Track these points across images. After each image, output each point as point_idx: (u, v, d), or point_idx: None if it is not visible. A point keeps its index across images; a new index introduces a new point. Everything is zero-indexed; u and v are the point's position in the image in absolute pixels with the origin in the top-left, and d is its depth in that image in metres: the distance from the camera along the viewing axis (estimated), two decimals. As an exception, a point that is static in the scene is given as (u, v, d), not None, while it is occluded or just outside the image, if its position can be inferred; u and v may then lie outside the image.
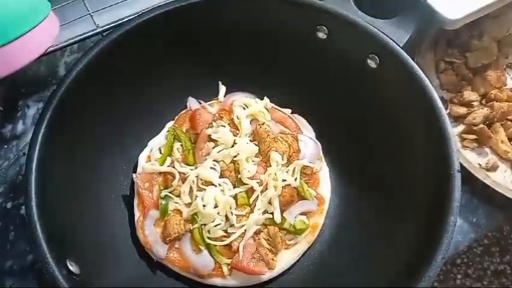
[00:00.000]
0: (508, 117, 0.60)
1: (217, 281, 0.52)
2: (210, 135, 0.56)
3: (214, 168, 0.55)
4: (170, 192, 0.54)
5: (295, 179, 0.55)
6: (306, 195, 0.55)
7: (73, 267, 0.43)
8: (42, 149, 0.47)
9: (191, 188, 0.54)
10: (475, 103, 0.63)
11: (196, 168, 0.55)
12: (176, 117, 0.60)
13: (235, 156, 0.55)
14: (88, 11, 0.65)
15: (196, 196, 0.53)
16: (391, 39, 0.53)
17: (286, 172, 0.55)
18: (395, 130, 0.53)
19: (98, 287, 0.45)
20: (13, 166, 0.61)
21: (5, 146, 0.62)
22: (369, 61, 0.55)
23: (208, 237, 0.52)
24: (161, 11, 0.53)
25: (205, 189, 0.53)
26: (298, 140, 0.58)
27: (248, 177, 0.54)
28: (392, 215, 0.50)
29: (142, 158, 0.57)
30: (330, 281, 0.51)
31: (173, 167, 0.55)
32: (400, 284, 0.43)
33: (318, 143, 0.59)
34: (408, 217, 0.49)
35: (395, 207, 0.50)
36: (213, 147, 0.56)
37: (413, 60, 0.52)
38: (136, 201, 0.55)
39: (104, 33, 0.63)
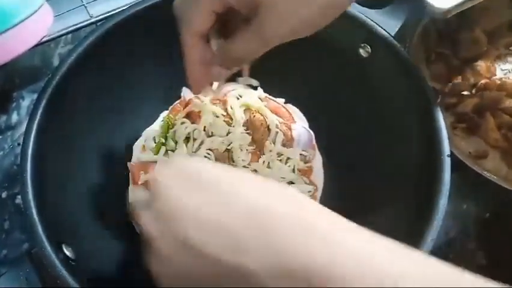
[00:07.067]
0: (498, 106, 0.61)
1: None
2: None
3: (208, 157, 0.55)
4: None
5: (289, 167, 0.55)
6: (299, 183, 0.55)
7: (69, 252, 0.43)
8: (37, 138, 0.47)
9: (185, 176, 0.54)
10: (465, 93, 0.64)
11: (191, 157, 0.55)
12: (171, 107, 0.60)
13: (228, 145, 0.56)
14: (82, 1, 0.66)
15: (191, 184, 0.53)
16: (382, 28, 0.53)
17: (280, 161, 0.56)
18: (387, 118, 0.54)
19: (93, 271, 0.46)
20: (8, 156, 0.61)
21: (0, 137, 0.63)
22: (361, 50, 0.55)
23: (203, 224, 0.52)
24: (156, 0, 0.54)
25: (199, 178, 0.54)
26: (292, 129, 0.58)
27: (242, 166, 0.55)
28: (384, 200, 0.51)
29: (137, 147, 0.58)
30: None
31: (168, 157, 0.55)
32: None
33: (312, 132, 0.59)
34: (399, 201, 0.49)
35: (386, 192, 0.51)
36: (207, 137, 0.56)
37: (404, 50, 0.53)
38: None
39: (97, 24, 0.64)
